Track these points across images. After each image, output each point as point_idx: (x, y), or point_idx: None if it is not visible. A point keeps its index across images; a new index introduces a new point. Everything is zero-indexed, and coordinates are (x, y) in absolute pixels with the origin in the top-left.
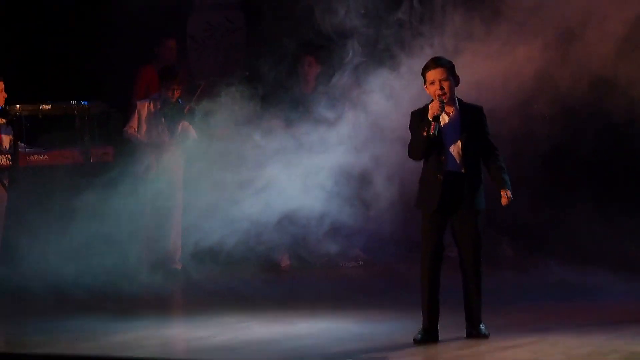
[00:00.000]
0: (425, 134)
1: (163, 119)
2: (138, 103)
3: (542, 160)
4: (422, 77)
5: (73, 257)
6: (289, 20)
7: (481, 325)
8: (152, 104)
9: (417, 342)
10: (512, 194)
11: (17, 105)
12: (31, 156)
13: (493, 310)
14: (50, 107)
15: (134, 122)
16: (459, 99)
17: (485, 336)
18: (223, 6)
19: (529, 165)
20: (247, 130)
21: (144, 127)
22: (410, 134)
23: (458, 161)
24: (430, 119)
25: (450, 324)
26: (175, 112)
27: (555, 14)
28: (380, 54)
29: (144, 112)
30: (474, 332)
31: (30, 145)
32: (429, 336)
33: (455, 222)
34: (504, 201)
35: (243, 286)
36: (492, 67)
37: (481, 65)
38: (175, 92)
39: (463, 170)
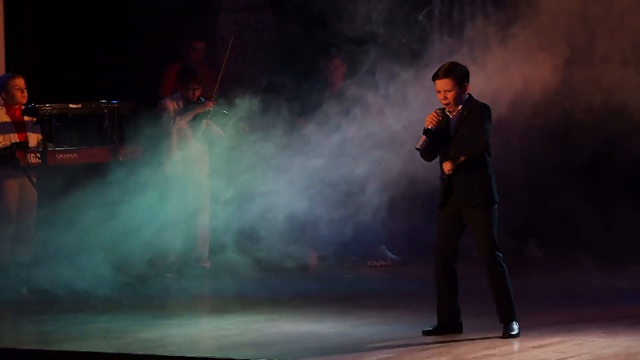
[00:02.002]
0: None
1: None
2: (165, 101)
3: (565, 165)
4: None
5: (100, 254)
6: (316, 22)
7: (512, 323)
8: (175, 103)
9: (423, 333)
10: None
11: (47, 104)
12: (60, 155)
13: (521, 311)
14: (80, 106)
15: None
16: (470, 98)
17: (512, 336)
18: (252, 7)
19: (555, 169)
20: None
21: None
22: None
23: (456, 160)
24: (424, 130)
25: (487, 324)
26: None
27: (571, 28)
28: (398, 59)
29: (170, 111)
30: (503, 332)
31: (59, 144)
32: (435, 330)
33: (465, 221)
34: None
35: (271, 285)
36: (507, 78)
37: (496, 75)
38: (196, 91)
39: (463, 169)
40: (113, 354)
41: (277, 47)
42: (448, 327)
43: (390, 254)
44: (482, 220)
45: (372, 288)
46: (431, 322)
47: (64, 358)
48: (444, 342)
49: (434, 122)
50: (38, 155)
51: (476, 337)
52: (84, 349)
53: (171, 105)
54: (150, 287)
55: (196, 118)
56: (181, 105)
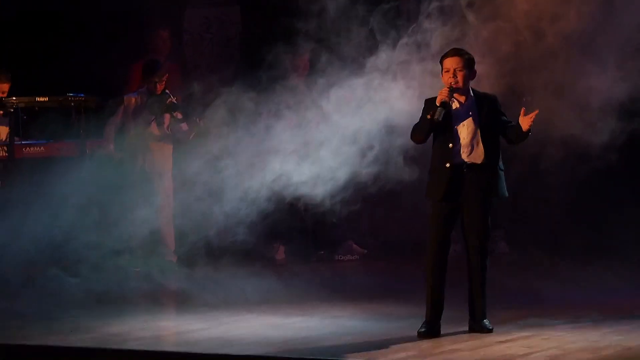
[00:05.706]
0: (429, 117)
1: (149, 111)
2: (125, 97)
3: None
4: (439, 66)
5: (64, 249)
6: (281, 16)
7: (485, 320)
8: (139, 97)
9: (421, 335)
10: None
11: (14, 97)
12: (27, 148)
13: (488, 305)
14: (47, 99)
15: (118, 117)
16: (473, 90)
17: (489, 331)
18: (220, 2)
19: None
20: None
21: (131, 120)
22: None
23: (470, 150)
24: (437, 105)
25: (451, 318)
26: (159, 104)
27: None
28: (346, 64)
29: (131, 106)
30: (476, 327)
31: (26, 137)
32: (432, 329)
33: (464, 213)
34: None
35: (237, 279)
36: None
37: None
38: (159, 84)
39: (479, 161)
40: (80, 348)
41: (244, 41)
42: (438, 323)
43: (357, 248)
44: (485, 219)
45: (339, 282)
46: (396, 315)
47: (30, 352)
48: (409, 337)
49: (449, 97)
50: (5, 148)
51: (445, 333)
52: (51, 344)
53: (130, 102)
54: (117, 281)
55: (159, 112)
56: (145, 99)
